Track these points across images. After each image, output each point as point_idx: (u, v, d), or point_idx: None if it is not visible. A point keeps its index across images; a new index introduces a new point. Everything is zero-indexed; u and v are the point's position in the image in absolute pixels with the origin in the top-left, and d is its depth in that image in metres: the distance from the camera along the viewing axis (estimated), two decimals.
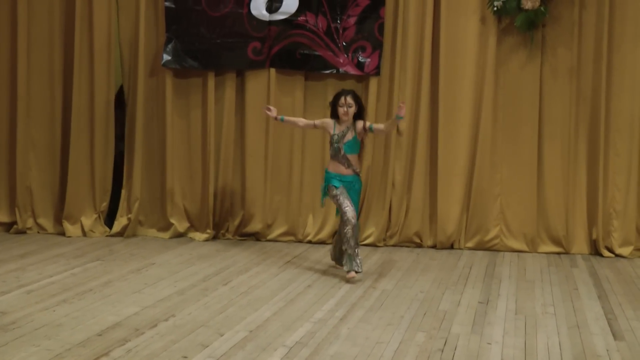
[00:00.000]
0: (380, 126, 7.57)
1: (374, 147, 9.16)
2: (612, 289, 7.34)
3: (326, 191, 7.59)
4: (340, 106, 7.46)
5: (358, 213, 7.69)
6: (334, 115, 7.56)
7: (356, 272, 7.39)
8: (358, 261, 7.39)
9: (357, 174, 7.61)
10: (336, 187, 7.49)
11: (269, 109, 7.94)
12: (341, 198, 7.45)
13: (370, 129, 7.50)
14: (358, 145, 7.57)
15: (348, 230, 7.35)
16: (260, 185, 9.39)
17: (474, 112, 9.10)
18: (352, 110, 7.44)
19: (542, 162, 9.07)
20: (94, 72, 9.38)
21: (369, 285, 7.32)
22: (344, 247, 7.43)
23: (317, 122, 7.74)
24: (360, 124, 7.49)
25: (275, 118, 7.87)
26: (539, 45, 8.92)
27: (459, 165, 9.13)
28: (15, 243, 8.94)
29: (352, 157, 7.55)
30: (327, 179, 7.58)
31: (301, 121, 7.99)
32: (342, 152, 7.50)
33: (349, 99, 7.44)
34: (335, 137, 7.51)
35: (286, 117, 7.97)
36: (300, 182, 9.34)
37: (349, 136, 7.50)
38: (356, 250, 7.41)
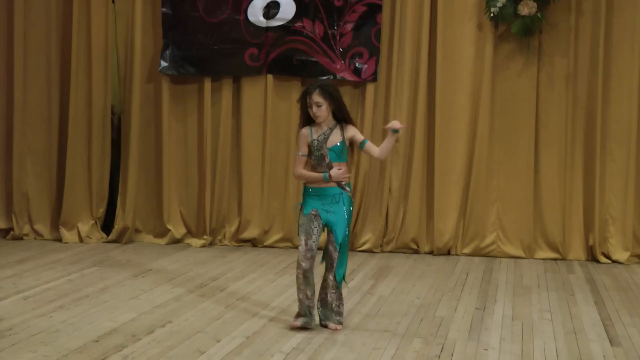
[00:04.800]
0: (374, 150, 5.97)
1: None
2: (609, 295, 7.35)
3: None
4: (309, 107, 5.92)
5: (347, 239, 6.01)
6: (305, 116, 6.02)
7: (301, 327, 5.98)
8: (313, 314, 6.03)
9: (341, 186, 5.97)
10: (304, 214, 5.98)
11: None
12: (300, 230, 5.99)
13: (361, 147, 5.99)
14: (346, 153, 6.01)
15: (298, 274, 5.95)
16: (257, 191, 9.39)
17: (470, 118, 9.11)
18: (324, 109, 5.89)
19: (539, 169, 9.08)
20: (91, 78, 9.37)
21: (366, 291, 7.32)
22: (298, 294, 6.01)
23: (301, 151, 6.00)
24: (352, 131, 5.98)
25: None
26: (535, 51, 8.93)
27: (456, 172, 9.14)
28: (12, 249, 8.93)
29: (339, 166, 5.97)
30: (303, 195, 6.07)
31: (300, 169, 6.08)
32: (327, 159, 5.93)
33: (316, 97, 5.86)
34: (316, 142, 5.94)
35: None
36: (297, 188, 9.33)
37: (336, 139, 5.95)
38: (313, 300, 6.01)
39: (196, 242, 9.39)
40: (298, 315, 6.03)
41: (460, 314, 6.59)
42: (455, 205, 9.14)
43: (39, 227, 9.58)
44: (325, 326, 6.06)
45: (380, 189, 9.22)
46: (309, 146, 5.99)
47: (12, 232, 9.52)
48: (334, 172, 5.95)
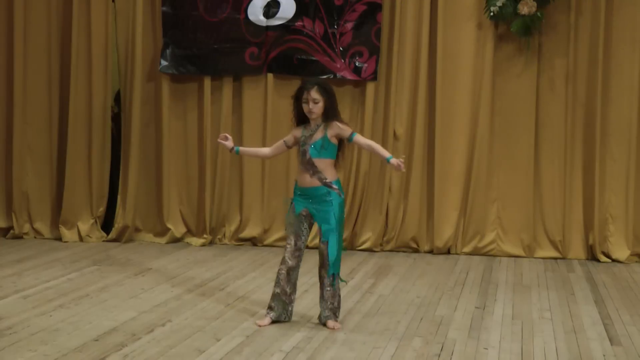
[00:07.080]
0: (367, 143, 6.07)
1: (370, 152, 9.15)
2: (609, 294, 7.35)
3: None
4: (304, 102, 5.96)
5: (338, 236, 6.01)
6: (299, 113, 6.07)
7: (274, 319, 6.13)
8: (289, 309, 6.15)
9: (326, 184, 5.96)
10: (295, 213, 6.04)
11: (226, 138, 6.35)
12: (289, 229, 6.07)
13: (350, 140, 6.00)
14: (331, 150, 5.99)
15: (281, 270, 6.05)
16: (257, 189, 9.39)
17: (471, 117, 9.11)
18: (320, 106, 5.95)
19: (539, 167, 9.09)
20: (91, 77, 9.37)
21: (366, 290, 7.33)
22: (274, 288, 6.14)
23: (286, 138, 6.17)
24: (336, 127, 5.97)
25: (231, 150, 6.33)
26: (535, 50, 8.93)
27: (456, 171, 9.14)
28: (12, 248, 8.94)
29: (321, 163, 5.97)
30: (294, 193, 6.14)
31: (264, 150, 6.55)
32: (308, 155, 5.97)
33: (314, 93, 5.93)
34: (303, 138, 6.02)
35: (242, 148, 6.47)
36: None
37: (318, 135, 5.98)
38: (292, 297, 6.13)
39: (196, 241, 9.39)
40: (269, 309, 6.10)
41: (460, 313, 6.59)
42: (455, 204, 9.14)
43: (38, 225, 9.58)
44: (324, 324, 6.08)
45: (381, 188, 9.22)
46: (298, 141, 6.09)
47: (12, 231, 9.52)
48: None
